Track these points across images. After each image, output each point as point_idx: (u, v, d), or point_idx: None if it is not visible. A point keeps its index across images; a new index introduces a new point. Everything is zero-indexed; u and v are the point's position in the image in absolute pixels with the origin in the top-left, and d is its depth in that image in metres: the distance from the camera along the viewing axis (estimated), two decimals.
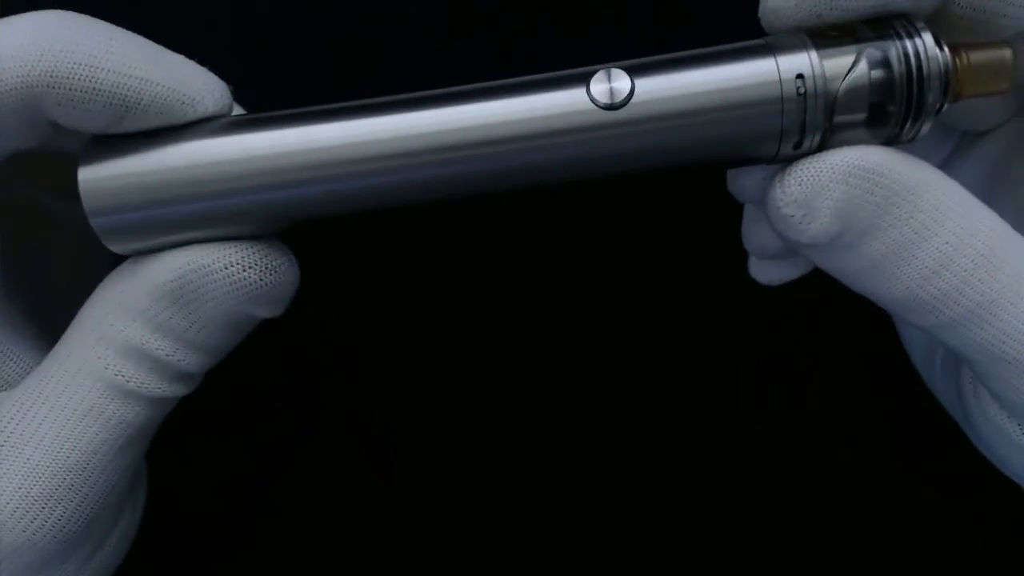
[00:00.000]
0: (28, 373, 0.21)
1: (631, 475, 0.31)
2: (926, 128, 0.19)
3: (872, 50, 0.19)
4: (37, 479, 0.19)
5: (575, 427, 0.31)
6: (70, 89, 0.18)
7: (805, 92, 0.19)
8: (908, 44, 0.19)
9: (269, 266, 0.20)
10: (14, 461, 0.19)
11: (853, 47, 0.19)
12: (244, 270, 0.20)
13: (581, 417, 0.31)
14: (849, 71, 0.19)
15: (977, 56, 0.19)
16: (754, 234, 0.24)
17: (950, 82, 0.19)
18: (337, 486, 0.31)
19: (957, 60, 0.19)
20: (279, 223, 0.20)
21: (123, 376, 0.20)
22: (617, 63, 0.19)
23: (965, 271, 0.19)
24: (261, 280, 0.20)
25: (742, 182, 0.22)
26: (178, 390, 0.21)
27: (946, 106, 0.19)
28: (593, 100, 0.19)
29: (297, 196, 0.19)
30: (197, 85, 0.19)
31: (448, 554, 0.31)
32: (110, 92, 0.18)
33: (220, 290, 0.20)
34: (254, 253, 0.20)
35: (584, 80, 0.19)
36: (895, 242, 0.19)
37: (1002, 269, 0.19)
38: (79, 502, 0.20)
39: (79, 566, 0.21)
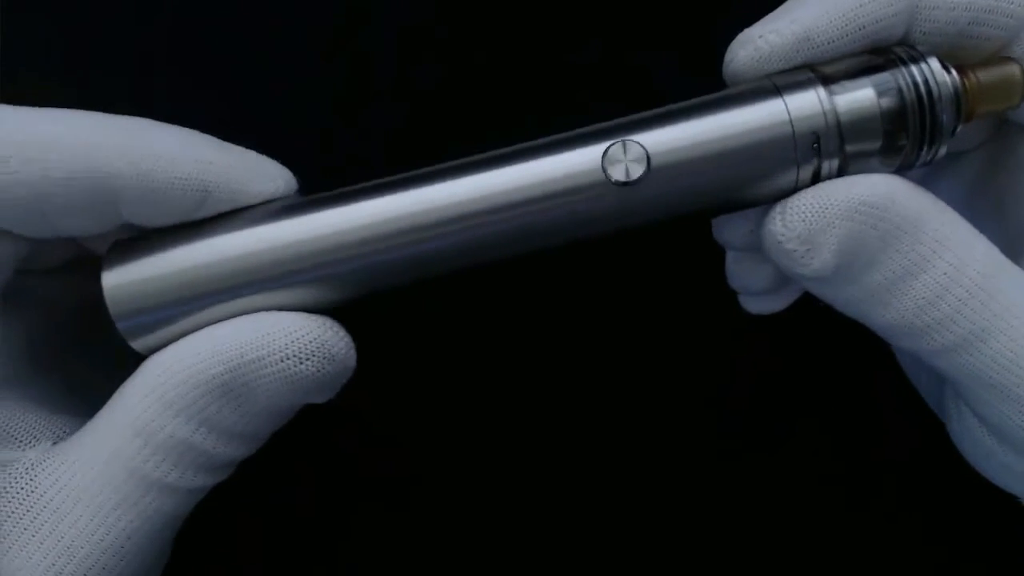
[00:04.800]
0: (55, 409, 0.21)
1: (628, 486, 0.31)
2: (943, 151, 0.19)
3: (881, 78, 0.19)
4: (71, 558, 0.19)
5: (573, 435, 0.31)
6: (153, 180, 0.19)
7: (818, 135, 0.19)
8: (915, 70, 0.19)
9: (326, 355, 0.19)
10: (48, 535, 0.19)
11: (860, 79, 0.19)
12: (300, 363, 0.19)
13: (577, 423, 0.31)
14: (859, 103, 0.19)
15: (986, 75, 0.19)
16: (737, 274, 0.24)
17: (962, 103, 0.19)
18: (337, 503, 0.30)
19: (966, 80, 0.19)
20: (334, 297, 0.20)
21: (163, 471, 0.19)
22: (630, 127, 0.19)
23: (959, 300, 0.19)
24: (318, 372, 0.19)
25: (728, 232, 0.22)
26: (219, 477, 0.20)
27: (960, 126, 0.19)
28: (608, 178, 0.19)
29: (366, 266, 0.19)
30: (268, 167, 0.20)
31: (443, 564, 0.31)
32: (191, 178, 0.19)
33: (273, 384, 0.19)
34: (311, 343, 0.19)
35: (599, 149, 0.19)
36: (893, 273, 0.19)
37: (995, 298, 0.19)
38: None
39: None
